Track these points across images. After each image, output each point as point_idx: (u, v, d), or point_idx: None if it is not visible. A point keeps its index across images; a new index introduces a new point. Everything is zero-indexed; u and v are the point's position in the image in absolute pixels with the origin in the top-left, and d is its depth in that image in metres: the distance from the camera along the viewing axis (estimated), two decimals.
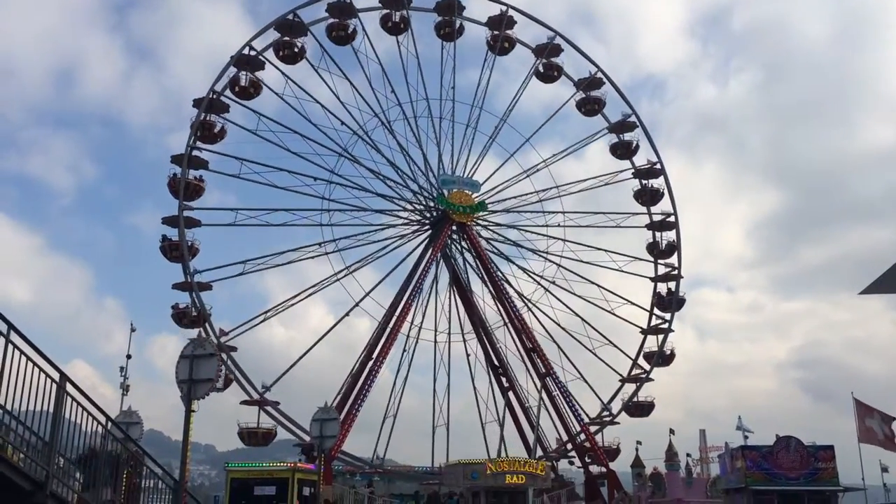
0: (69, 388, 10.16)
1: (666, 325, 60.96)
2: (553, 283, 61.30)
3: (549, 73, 64.29)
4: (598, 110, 64.02)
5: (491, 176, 63.31)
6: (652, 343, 61.21)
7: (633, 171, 63.39)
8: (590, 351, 60.13)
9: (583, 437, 56.21)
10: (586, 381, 60.03)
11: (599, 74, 64.04)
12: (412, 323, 59.38)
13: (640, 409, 59.73)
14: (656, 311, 61.41)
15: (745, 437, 41.53)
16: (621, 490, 49.75)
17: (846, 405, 52.51)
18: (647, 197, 62.57)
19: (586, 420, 58.23)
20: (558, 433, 58.85)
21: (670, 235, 62.33)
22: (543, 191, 63.11)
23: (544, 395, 55.06)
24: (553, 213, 62.74)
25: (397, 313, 55.91)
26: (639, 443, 56.46)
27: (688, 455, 59.18)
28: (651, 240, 62.17)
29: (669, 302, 61.24)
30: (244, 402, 51.12)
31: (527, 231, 62.85)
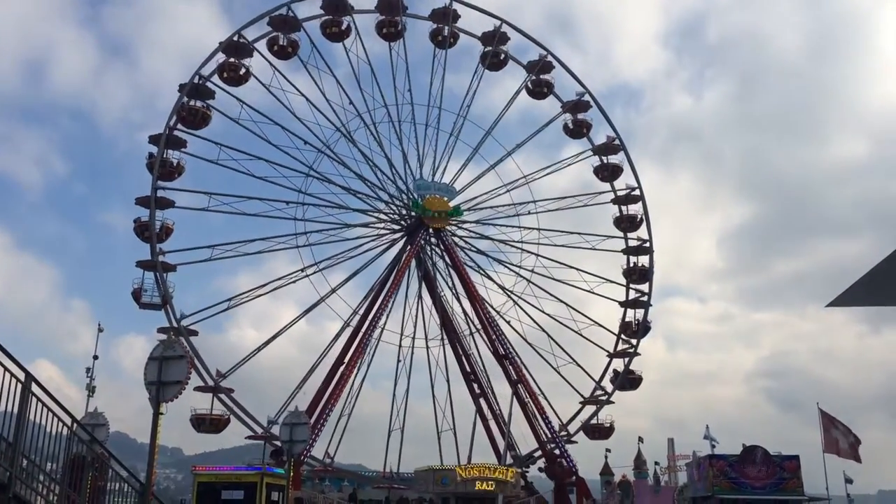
0: (35, 388, 10.01)
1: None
2: (533, 272, 61.71)
3: (540, 91, 65.00)
4: (585, 133, 64.69)
5: (469, 185, 63.49)
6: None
7: (613, 196, 63.92)
8: (576, 332, 60.52)
9: (552, 444, 56.38)
10: (578, 364, 60.38)
11: (587, 97, 64.62)
12: (402, 333, 59.47)
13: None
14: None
15: (713, 447, 42.02)
16: (590, 498, 50.00)
17: (812, 415, 53.39)
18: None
19: (578, 403, 59.42)
20: (513, 446, 59.01)
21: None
22: (521, 204, 63.35)
23: (515, 403, 55.19)
24: (524, 203, 63.12)
25: (369, 319, 55.84)
26: (608, 451, 56.80)
27: (656, 463, 59.72)
28: (626, 265, 62.66)
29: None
30: (198, 389, 50.42)
31: (501, 242, 63.16)
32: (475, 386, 60.23)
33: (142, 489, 12.67)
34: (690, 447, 49.63)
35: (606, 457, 55.73)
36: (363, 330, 55.44)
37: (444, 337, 61.17)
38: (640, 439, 57.27)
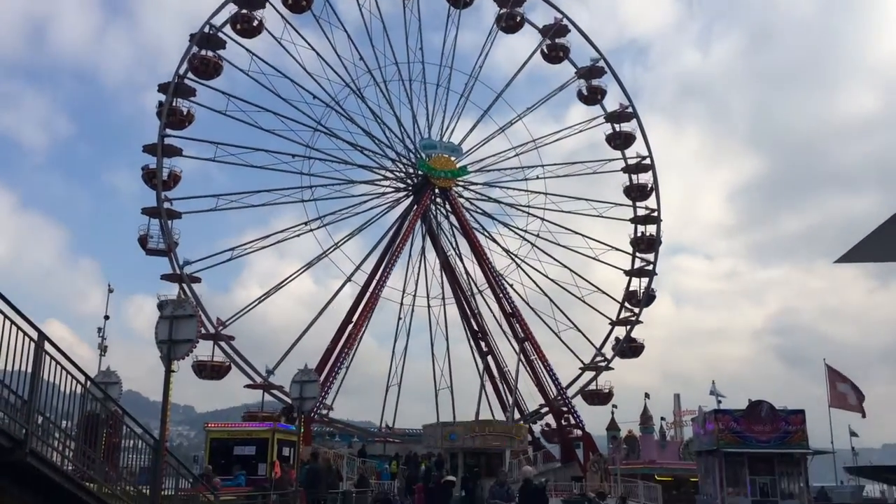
0: (48, 347, 10.13)
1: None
2: (538, 236, 61.71)
3: (556, 55, 64.01)
4: (599, 100, 63.82)
5: (468, 135, 63.14)
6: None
7: (623, 165, 63.12)
8: (579, 299, 60.80)
9: (560, 401, 56.94)
10: (579, 330, 60.82)
11: (602, 63, 63.68)
12: (403, 291, 59.89)
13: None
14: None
15: (719, 402, 42.29)
16: (596, 452, 50.58)
17: (819, 371, 53.73)
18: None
19: (578, 369, 59.70)
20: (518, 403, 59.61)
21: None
22: (521, 146, 63.07)
23: (522, 360, 55.64)
24: (532, 167, 62.89)
25: (377, 278, 56.12)
26: (614, 406, 57.52)
27: (662, 419, 60.36)
28: (633, 235, 62.40)
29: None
30: (199, 336, 50.94)
31: (508, 188, 63.08)
32: (482, 344, 60.73)
33: (156, 445, 12.88)
34: (696, 403, 50.03)
35: (613, 413, 56.43)
36: (371, 289, 55.70)
37: (446, 295, 61.59)
38: (647, 395, 57.89)
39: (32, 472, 9.77)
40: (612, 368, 60.65)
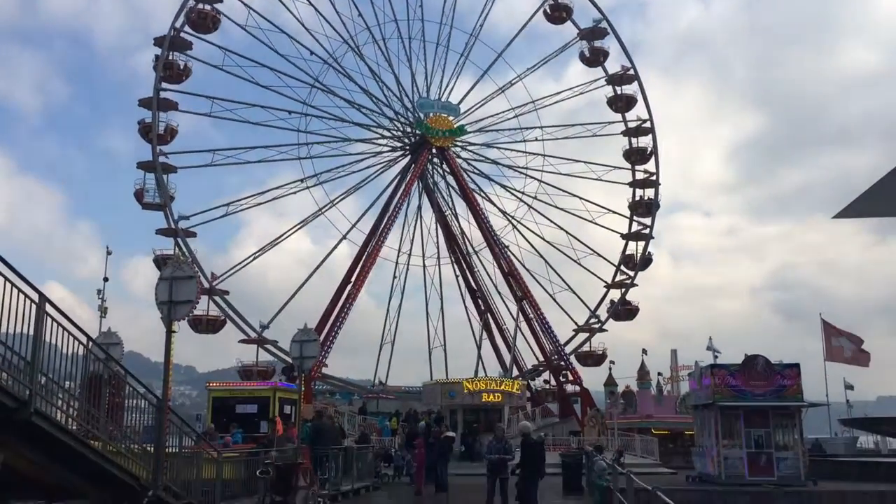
0: (49, 308, 10.19)
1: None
2: (535, 198, 61.62)
3: (559, 16, 62.91)
4: (602, 62, 63.03)
5: (466, 95, 62.79)
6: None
7: (623, 128, 62.63)
8: (575, 261, 60.97)
9: (557, 357, 57.46)
10: (574, 292, 61.13)
11: (604, 24, 62.79)
12: (399, 250, 60.05)
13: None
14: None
15: (715, 357, 42.70)
16: (594, 407, 51.21)
17: (815, 326, 54.26)
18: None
19: (572, 331, 60.03)
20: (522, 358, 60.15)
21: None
22: (520, 107, 62.72)
23: (521, 318, 56.03)
24: (531, 128, 62.58)
25: (376, 238, 56.16)
26: (612, 362, 58.13)
27: (659, 374, 61.09)
28: (631, 199, 62.12)
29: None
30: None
31: (506, 149, 62.81)
32: (480, 303, 61.06)
33: (159, 404, 13.04)
34: (693, 359, 50.55)
35: (611, 368, 57.06)
36: (369, 249, 55.77)
37: (442, 255, 61.84)
38: (644, 351, 58.53)
39: (38, 431, 9.91)
40: (606, 330, 61.09)
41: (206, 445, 15.66)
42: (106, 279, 42.47)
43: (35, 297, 9.90)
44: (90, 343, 11.64)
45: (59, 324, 10.52)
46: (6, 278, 9.36)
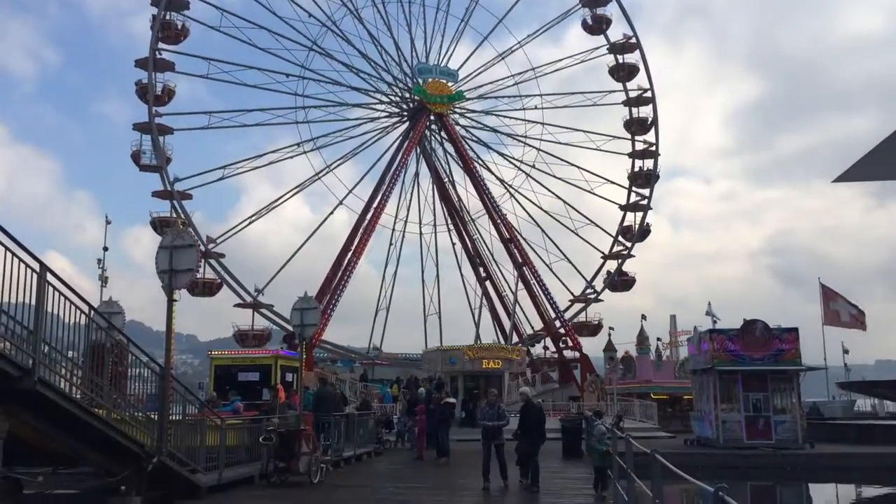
0: (50, 277, 10.19)
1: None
2: (533, 167, 61.39)
3: None
4: (604, 30, 62.01)
5: (466, 61, 62.32)
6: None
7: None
8: (572, 231, 60.97)
9: (558, 323, 57.70)
10: (570, 262, 61.19)
11: None
12: (395, 216, 60.04)
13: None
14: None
15: (714, 322, 42.86)
16: (593, 373, 51.58)
17: (814, 290, 54.35)
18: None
19: (568, 301, 59.88)
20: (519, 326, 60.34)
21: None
22: (520, 74, 62.29)
23: (521, 284, 56.17)
24: (530, 96, 62.14)
25: (374, 206, 56.08)
26: (611, 328, 58.36)
27: (658, 339, 61.36)
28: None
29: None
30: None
31: (505, 117, 62.42)
32: (480, 269, 61.15)
33: (162, 372, 13.13)
34: (692, 324, 50.72)
35: (610, 334, 57.32)
36: (369, 216, 55.70)
37: (441, 222, 61.78)
38: (643, 317, 58.74)
39: (42, 399, 9.98)
40: (602, 300, 61.18)
41: (210, 413, 15.78)
42: (106, 248, 42.47)
43: (36, 266, 9.90)
44: (92, 312, 11.67)
45: (60, 293, 10.54)
46: (7, 248, 9.35)
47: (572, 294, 60.96)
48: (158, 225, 50.81)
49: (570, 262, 61.24)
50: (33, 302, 9.95)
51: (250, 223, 55.43)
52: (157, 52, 50.99)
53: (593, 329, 59.44)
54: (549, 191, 61.36)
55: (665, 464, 7.54)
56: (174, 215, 50.40)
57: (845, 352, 63.56)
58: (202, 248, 50.51)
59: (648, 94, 61.40)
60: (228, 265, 52.71)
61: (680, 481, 6.97)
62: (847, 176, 10.82)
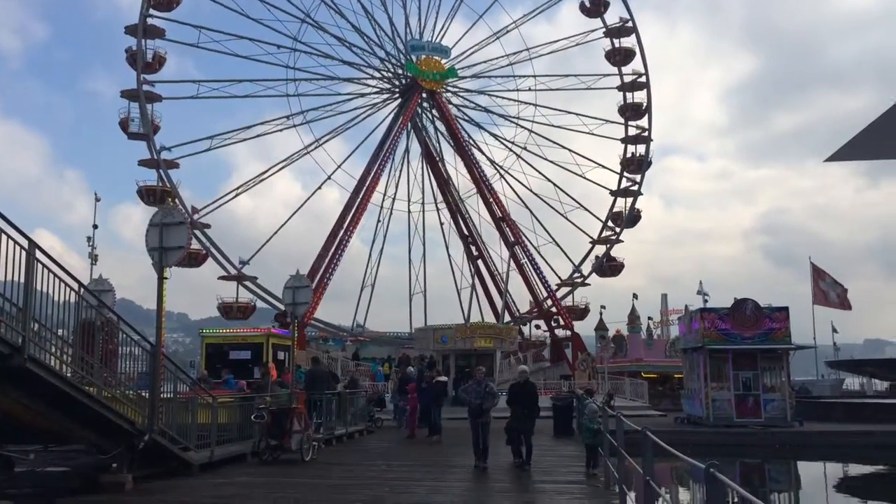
0: (39, 255, 10.11)
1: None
2: (524, 148, 61.25)
3: None
4: (602, 12, 61.32)
5: (460, 39, 61.94)
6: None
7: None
8: (561, 215, 60.95)
9: (549, 302, 57.84)
10: (558, 245, 61.21)
11: None
12: (386, 195, 60.00)
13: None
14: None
15: (705, 301, 43.08)
16: (585, 351, 51.82)
17: (805, 270, 54.70)
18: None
19: (555, 285, 59.70)
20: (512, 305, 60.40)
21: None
22: (514, 54, 62.02)
23: (513, 264, 56.21)
24: (524, 77, 61.87)
25: (367, 183, 55.90)
26: (603, 307, 58.55)
27: (649, 318, 61.76)
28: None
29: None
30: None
31: (498, 97, 62.11)
32: (472, 248, 61.16)
33: (153, 350, 13.09)
34: (683, 303, 51.06)
35: (601, 313, 57.54)
36: (362, 194, 55.55)
37: (433, 200, 61.71)
38: (635, 296, 59.00)
39: (33, 377, 9.94)
40: (589, 285, 61.25)
41: (202, 390, 15.77)
42: (95, 226, 42.07)
43: (25, 243, 9.81)
44: (81, 289, 11.60)
45: (49, 270, 10.46)
46: None
47: (559, 278, 60.96)
48: (145, 194, 50.50)
49: (557, 244, 61.31)
50: (22, 279, 9.88)
51: (237, 195, 55.47)
52: (146, 19, 50.38)
53: (580, 313, 59.31)
54: (540, 173, 61.34)
55: (657, 441, 7.58)
56: (161, 184, 50.06)
57: (834, 331, 64.10)
58: (188, 217, 50.08)
59: (643, 79, 61.07)
60: (217, 240, 52.53)
61: (670, 459, 7.00)
62: (839, 155, 10.79)
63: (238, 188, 55.46)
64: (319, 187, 57.65)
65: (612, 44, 61.35)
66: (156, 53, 50.59)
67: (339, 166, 57.59)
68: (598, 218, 61.88)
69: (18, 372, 9.69)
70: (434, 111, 60.16)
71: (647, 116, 61.31)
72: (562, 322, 57.01)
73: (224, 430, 16.06)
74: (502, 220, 57.94)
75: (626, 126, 61.41)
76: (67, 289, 11.03)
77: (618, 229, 61.19)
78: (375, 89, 59.58)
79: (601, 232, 61.67)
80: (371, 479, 13.92)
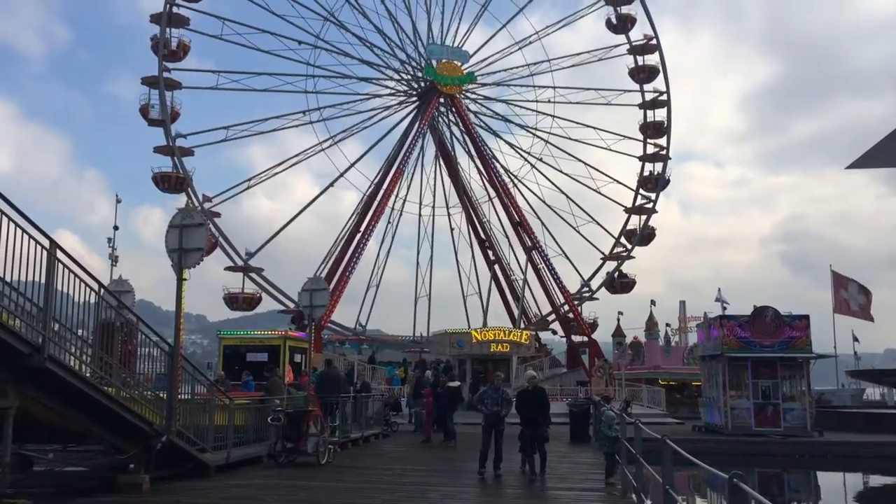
0: (60, 255, 10.19)
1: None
2: (540, 159, 61.11)
3: None
4: (629, 28, 60.85)
5: (482, 47, 61.94)
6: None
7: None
8: (573, 228, 60.73)
9: (566, 308, 57.57)
10: (568, 258, 61.01)
11: None
12: (397, 196, 60.14)
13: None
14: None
15: (724, 308, 42.67)
16: (602, 358, 51.53)
17: (825, 277, 54.06)
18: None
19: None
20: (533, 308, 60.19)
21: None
22: (535, 64, 61.89)
23: (530, 269, 56.07)
24: (543, 87, 61.73)
25: (384, 186, 56.01)
26: (620, 313, 58.12)
27: (667, 325, 61.19)
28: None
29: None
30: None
31: (516, 105, 62.03)
32: (490, 253, 61.07)
33: (171, 351, 13.14)
34: (702, 310, 50.58)
35: (619, 319, 57.14)
36: (379, 198, 55.63)
37: (436, 203, 61.84)
38: (653, 302, 58.49)
39: (52, 377, 10.01)
40: (597, 299, 60.95)
41: (219, 392, 15.82)
42: (116, 227, 42.38)
43: (46, 243, 9.89)
44: (102, 290, 11.67)
45: (70, 270, 10.53)
46: (17, 225, 9.34)
47: (567, 291, 60.56)
48: (160, 180, 50.85)
49: (567, 258, 61.07)
50: (43, 280, 9.95)
51: (248, 187, 55.61)
52: (171, 7, 50.86)
53: (589, 327, 59.07)
54: (554, 185, 61.15)
55: (677, 449, 7.51)
56: (175, 171, 50.45)
57: (855, 340, 63.32)
58: (198, 205, 50.39)
59: (664, 97, 60.62)
60: (234, 240, 52.98)
61: (687, 467, 6.93)
62: (861, 162, 10.69)
63: (250, 179, 55.71)
64: (332, 184, 57.84)
65: (636, 61, 60.93)
66: (180, 42, 51.12)
67: (352, 165, 57.75)
68: (610, 234, 61.74)
69: (38, 371, 9.77)
70: (451, 115, 60.17)
71: (665, 134, 60.87)
72: (579, 327, 56.73)
73: (240, 432, 16.10)
74: (519, 225, 57.80)
75: (645, 143, 61.04)
76: (88, 289, 11.11)
77: (629, 246, 60.86)
78: (393, 91, 59.78)
79: (613, 248, 61.40)
80: (386, 482, 13.89)
